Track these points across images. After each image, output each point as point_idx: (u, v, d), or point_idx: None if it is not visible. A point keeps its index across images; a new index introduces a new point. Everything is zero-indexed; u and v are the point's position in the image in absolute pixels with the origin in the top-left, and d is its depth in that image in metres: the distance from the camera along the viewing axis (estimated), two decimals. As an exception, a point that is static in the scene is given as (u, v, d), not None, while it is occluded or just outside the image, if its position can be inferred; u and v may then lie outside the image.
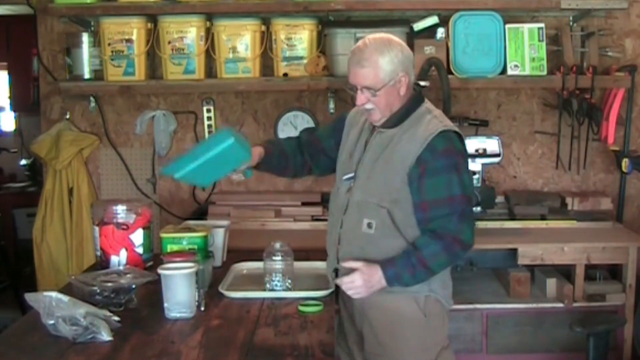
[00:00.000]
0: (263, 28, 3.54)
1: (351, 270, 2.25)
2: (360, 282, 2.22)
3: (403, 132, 2.27)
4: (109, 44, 3.52)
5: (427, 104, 2.34)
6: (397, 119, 2.28)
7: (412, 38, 3.48)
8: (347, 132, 2.46)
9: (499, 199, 3.57)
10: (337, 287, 2.37)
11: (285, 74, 3.54)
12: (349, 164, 2.38)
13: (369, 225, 2.26)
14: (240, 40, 3.52)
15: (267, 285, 2.35)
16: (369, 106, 2.26)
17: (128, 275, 2.33)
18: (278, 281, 2.34)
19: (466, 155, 2.33)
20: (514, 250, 3.24)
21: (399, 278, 2.20)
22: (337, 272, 2.36)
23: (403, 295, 2.26)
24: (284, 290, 2.34)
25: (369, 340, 2.33)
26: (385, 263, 2.21)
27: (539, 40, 3.47)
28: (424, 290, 2.28)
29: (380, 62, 2.20)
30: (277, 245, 2.35)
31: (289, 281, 2.36)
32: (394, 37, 2.28)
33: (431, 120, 2.27)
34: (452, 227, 2.20)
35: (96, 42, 3.62)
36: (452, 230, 2.20)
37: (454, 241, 2.20)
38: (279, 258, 2.34)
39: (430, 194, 2.20)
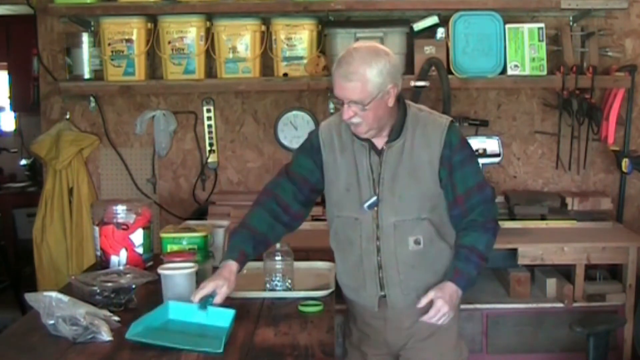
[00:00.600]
0: (263, 28, 3.54)
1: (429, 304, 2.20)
2: (445, 308, 2.17)
3: (411, 138, 2.21)
4: (109, 44, 3.52)
5: (409, 102, 2.31)
6: (398, 129, 2.21)
7: (412, 38, 3.49)
8: (333, 159, 2.28)
9: (499, 199, 3.57)
10: (337, 288, 2.37)
11: (285, 74, 3.54)
12: (357, 190, 2.23)
13: (417, 242, 2.22)
14: (240, 40, 3.52)
15: (267, 285, 2.35)
16: (355, 120, 2.13)
17: (128, 275, 2.32)
18: (278, 281, 2.34)
19: None
20: (514, 250, 3.24)
21: (470, 281, 2.22)
22: (384, 298, 2.29)
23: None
24: (284, 290, 2.34)
25: (409, 346, 2.34)
26: (453, 276, 2.21)
27: (539, 40, 3.47)
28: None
29: (368, 75, 2.07)
30: (277, 245, 2.35)
31: (289, 281, 2.36)
32: (380, 46, 2.18)
33: (428, 116, 2.26)
34: (491, 213, 2.28)
35: (96, 42, 3.62)
36: (492, 216, 2.28)
37: (495, 224, 2.29)
38: (279, 258, 2.33)
39: (462, 187, 2.23)
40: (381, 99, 2.11)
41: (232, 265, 2.16)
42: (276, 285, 2.34)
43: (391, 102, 2.15)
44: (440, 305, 2.16)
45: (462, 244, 2.23)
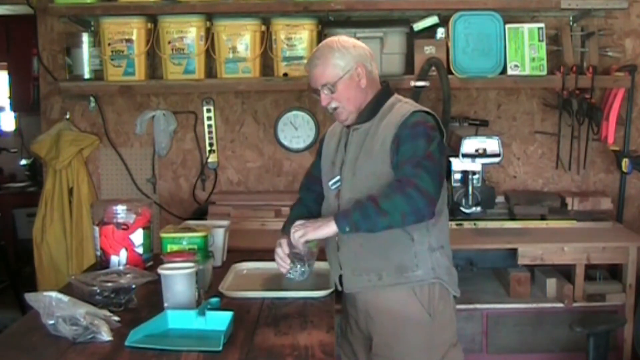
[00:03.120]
0: (263, 28, 3.54)
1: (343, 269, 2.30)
2: (307, 224, 2.20)
3: (377, 124, 2.27)
4: (109, 44, 3.52)
5: (397, 96, 2.36)
6: (368, 113, 2.30)
7: (412, 38, 3.49)
8: (327, 145, 2.47)
9: (499, 199, 3.58)
10: (339, 292, 2.37)
11: (285, 74, 3.54)
12: (332, 169, 2.37)
13: None
14: (240, 40, 3.52)
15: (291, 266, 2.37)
16: (333, 105, 2.29)
17: (128, 275, 2.32)
18: (300, 267, 2.37)
19: (440, 132, 2.25)
20: (514, 250, 3.24)
21: (347, 216, 2.13)
22: (341, 280, 2.34)
23: (405, 290, 2.25)
24: (300, 276, 2.38)
25: (375, 342, 2.33)
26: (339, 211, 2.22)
27: (539, 40, 3.47)
28: (428, 278, 2.25)
29: (330, 58, 2.25)
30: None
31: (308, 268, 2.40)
32: (346, 37, 2.33)
33: (402, 105, 2.29)
34: (407, 172, 2.14)
35: (96, 42, 3.62)
36: (406, 174, 2.13)
37: (407, 183, 2.11)
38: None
39: (400, 159, 2.18)
40: (349, 79, 2.26)
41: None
42: (296, 270, 2.37)
43: (363, 82, 2.28)
44: (304, 222, 2.22)
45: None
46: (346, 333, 2.49)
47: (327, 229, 2.16)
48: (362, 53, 2.30)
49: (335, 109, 2.31)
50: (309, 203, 2.54)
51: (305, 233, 2.19)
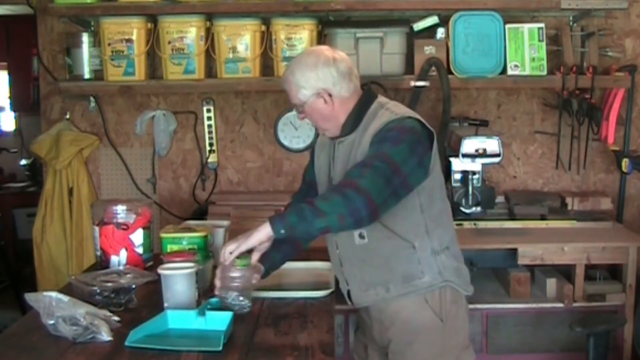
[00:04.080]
0: (263, 28, 3.53)
1: (352, 275, 2.25)
2: (239, 236, 2.08)
3: (361, 134, 2.20)
4: (109, 44, 3.51)
5: (380, 99, 2.27)
6: (351, 124, 2.22)
7: (412, 38, 3.49)
8: (317, 157, 2.42)
9: (499, 199, 3.58)
10: (337, 288, 2.37)
11: (285, 74, 3.53)
12: (323, 185, 2.33)
13: (361, 236, 2.19)
14: (240, 40, 3.52)
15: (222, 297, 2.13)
16: (307, 120, 2.28)
17: (128, 275, 2.33)
18: (233, 299, 2.11)
19: (421, 135, 2.13)
20: (514, 250, 3.24)
21: (283, 218, 2.03)
22: (349, 294, 2.32)
23: (416, 298, 2.20)
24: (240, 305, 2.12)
25: (391, 350, 2.29)
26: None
27: (539, 40, 3.47)
28: (437, 282, 2.20)
29: (293, 80, 2.19)
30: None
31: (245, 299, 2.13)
32: (315, 52, 2.22)
33: (384, 113, 2.19)
34: (353, 172, 2.06)
35: (96, 42, 3.62)
36: (351, 175, 2.06)
37: (347, 184, 2.02)
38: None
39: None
40: (315, 102, 2.20)
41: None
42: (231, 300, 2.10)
43: (334, 103, 2.20)
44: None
45: None
46: (359, 335, 2.47)
47: (259, 233, 2.03)
48: (325, 77, 2.17)
49: (312, 124, 2.30)
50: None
51: (239, 245, 2.05)
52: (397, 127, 2.12)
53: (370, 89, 2.31)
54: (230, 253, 2.07)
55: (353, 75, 2.23)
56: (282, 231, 2.02)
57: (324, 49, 2.26)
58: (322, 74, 2.18)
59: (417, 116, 2.20)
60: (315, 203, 2.01)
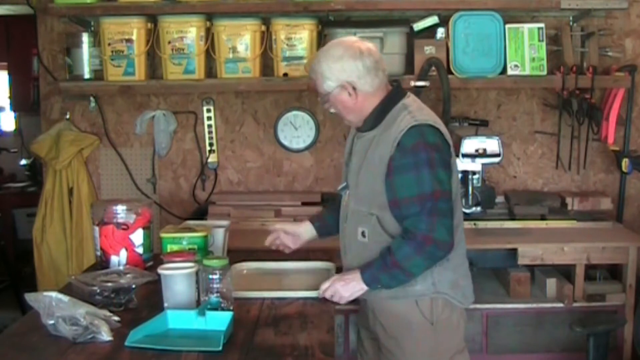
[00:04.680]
0: (263, 28, 3.54)
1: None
2: (337, 285, 2.20)
3: (380, 133, 2.21)
4: (109, 44, 3.52)
5: (406, 99, 2.26)
6: (373, 121, 2.24)
7: (412, 38, 3.49)
8: (347, 141, 2.46)
9: (499, 199, 3.58)
10: None
11: (285, 74, 3.53)
12: (343, 172, 2.39)
13: (363, 234, 2.26)
14: (240, 40, 3.52)
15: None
16: (332, 110, 2.30)
17: (128, 275, 2.32)
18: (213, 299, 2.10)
19: (443, 149, 2.19)
20: (514, 250, 3.24)
21: (376, 279, 2.18)
22: None
23: (407, 301, 2.23)
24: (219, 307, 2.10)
25: (381, 343, 2.33)
26: (364, 266, 2.21)
27: (539, 40, 3.47)
28: (429, 292, 2.22)
29: (319, 72, 2.22)
30: None
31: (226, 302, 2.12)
32: (343, 44, 2.23)
33: (405, 117, 2.18)
34: (423, 226, 2.12)
35: (96, 42, 3.62)
36: (422, 230, 2.12)
37: (425, 240, 2.12)
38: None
39: (401, 192, 2.15)
40: (339, 93, 2.22)
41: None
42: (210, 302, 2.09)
43: (358, 97, 2.21)
44: (334, 283, 2.21)
45: (388, 246, 2.18)
46: (358, 319, 2.54)
47: (360, 290, 2.22)
48: (351, 70, 2.18)
49: (336, 113, 2.31)
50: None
51: (342, 298, 2.21)
52: (423, 143, 2.13)
53: (399, 86, 2.31)
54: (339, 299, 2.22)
55: (379, 71, 2.23)
56: (379, 286, 2.20)
57: (354, 40, 2.27)
58: (347, 67, 2.19)
59: (437, 122, 2.22)
60: (401, 265, 2.14)
